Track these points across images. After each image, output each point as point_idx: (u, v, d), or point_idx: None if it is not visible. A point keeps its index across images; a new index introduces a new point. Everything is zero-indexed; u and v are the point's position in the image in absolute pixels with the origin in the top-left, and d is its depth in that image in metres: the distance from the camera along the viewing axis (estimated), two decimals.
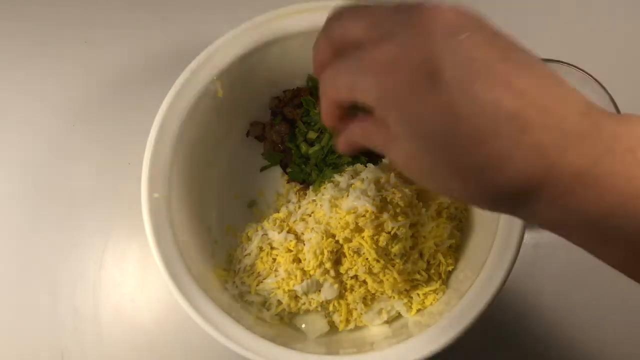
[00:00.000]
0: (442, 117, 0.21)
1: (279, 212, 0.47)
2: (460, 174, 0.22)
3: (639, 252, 0.22)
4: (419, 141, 0.22)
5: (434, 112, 0.21)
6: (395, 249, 0.41)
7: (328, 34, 0.26)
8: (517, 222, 0.38)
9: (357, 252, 0.42)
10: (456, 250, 0.45)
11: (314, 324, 0.45)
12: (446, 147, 0.22)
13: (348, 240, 0.42)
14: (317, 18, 0.43)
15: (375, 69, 0.22)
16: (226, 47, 0.43)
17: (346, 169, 0.47)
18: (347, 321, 0.44)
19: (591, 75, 0.46)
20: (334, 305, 0.44)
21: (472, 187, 0.22)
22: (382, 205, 0.42)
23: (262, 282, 0.45)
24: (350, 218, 0.42)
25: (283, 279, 0.44)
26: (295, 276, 0.43)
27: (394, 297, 0.44)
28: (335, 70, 0.25)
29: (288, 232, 0.45)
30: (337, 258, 0.43)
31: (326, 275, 0.43)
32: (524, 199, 0.22)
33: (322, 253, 0.42)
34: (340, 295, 0.44)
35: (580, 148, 0.20)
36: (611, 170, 0.20)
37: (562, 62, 0.46)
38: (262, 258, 0.45)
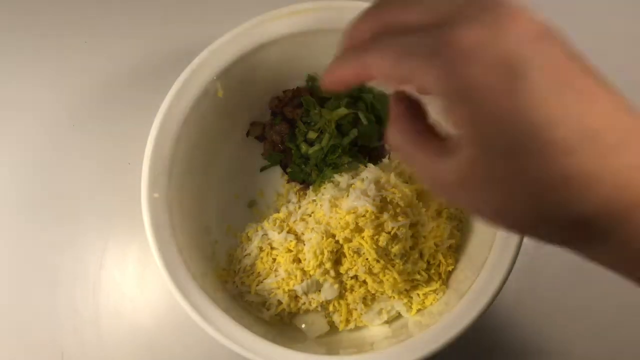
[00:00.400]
0: (522, 122, 0.19)
1: (279, 212, 0.47)
2: (527, 188, 0.19)
3: None
4: (486, 145, 0.20)
5: (513, 115, 0.19)
6: (395, 249, 0.41)
7: (375, 11, 0.23)
8: None
9: (357, 252, 0.42)
10: (456, 250, 0.45)
11: (314, 324, 0.45)
12: (520, 155, 0.19)
13: (348, 240, 0.42)
14: (316, 18, 0.43)
15: (452, 53, 0.19)
16: (226, 47, 0.43)
17: (346, 169, 0.47)
18: (347, 321, 0.44)
19: None
20: (334, 305, 0.44)
21: (536, 205, 0.20)
22: (382, 205, 0.42)
23: (262, 282, 0.45)
24: (350, 218, 0.42)
25: (283, 279, 0.44)
26: (295, 276, 0.43)
27: (394, 297, 0.44)
28: (392, 47, 0.21)
29: (288, 232, 0.45)
30: (337, 258, 0.43)
31: (326, 275, 0.43)
32: (593, 231, 0.20)
33: (322, 253, 0.42)
34: (340, 295, 0.44)
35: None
36: None
37: None
38: (262, 258, 0.45)
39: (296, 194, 0.49)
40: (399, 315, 0.45)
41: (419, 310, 0.44)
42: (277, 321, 0.45)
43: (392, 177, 0.44)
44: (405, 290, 0.44)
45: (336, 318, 0.45)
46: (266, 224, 0.46)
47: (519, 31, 0.19)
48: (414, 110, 0.25)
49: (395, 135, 0.24)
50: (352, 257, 0.42)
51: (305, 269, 0.43)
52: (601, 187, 0.18)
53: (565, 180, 0.19)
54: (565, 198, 0.19)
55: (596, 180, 0.18)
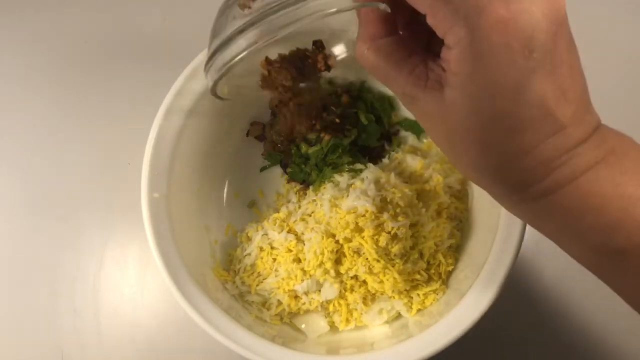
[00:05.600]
0: (515, 82, 0.22)
1: (279, 212, 0.47)
2: (489, 139, 0.24)
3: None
4: (479, 103, 0.23)
5: (512, 74, 0.22)
6: (395, 249, 0.41)
7: None
8: (517, 222, 0.38)
9: (357, 252, 0.42)
10: (456, 250, 0.45)
11: (314, 324, 0.45)
12: (496, 105, 0.23)
13: (348, 240, 0.42)
14: None
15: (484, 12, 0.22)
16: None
17: (346, 169, 0.47)
18: (348, 321, 0.44)
19: None
20: (334, 305, 0.44)
21: (493, 156, 0.24)
22: (382, 205, 0.42)
23: (262, 282, 0.45)
24: (350, 218, 0.42)
25: (283, 279, 0.44)
26: (296, 276, 0.43)
27: (394, 297, 0.44)
28: None
29: (288, 232, 0.45)
30: (337, 258, 0.43)
31: (326, 275, 0.43)
32: (526, 184, 0.25)
33: (322, 253, 0.42)
34: (341, 295, 0.44)
35: (586, 157, 0.24)
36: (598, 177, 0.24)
37: None
38: (262, 258, 0.45)
39: (296, 194, 0.49)
40: (399, 315, 0.45)
41: (419, 310, 0.44)
42: (277, 321, 0.45)
43: (392, 177, 0.44)
44: (405, 290, 0.44)
45: (336, 318, 0.45)
46: (266, 224, 0.46)
47: (552, 10, 0.22)
48: (386, 20, 0.27)
49: (369, 53, 0.28)
50: (352, 257, 0.42)
51: (306, 268, 0.43)
52: (535, 155, 0.24)
53: (515, 143, 0.23)
54: (511, 153, 0.24)
55: (533, 148, 0.23)
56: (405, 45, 0.28)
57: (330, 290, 0.44)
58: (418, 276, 0.43)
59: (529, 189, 0.25)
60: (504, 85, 0.22)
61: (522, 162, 0.24)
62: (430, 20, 0.24)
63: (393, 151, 0.49)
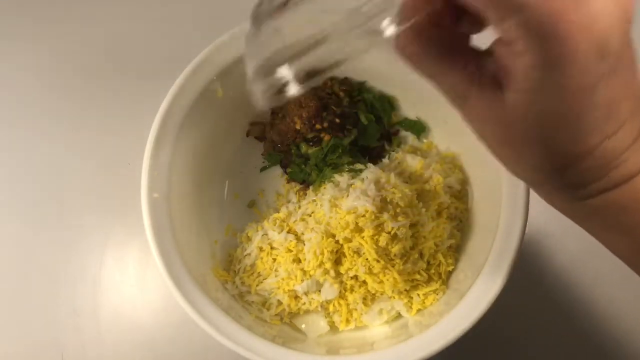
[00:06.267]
0: (587, 86, 0.21)
1: (279, 212, 0.47)
2: (554, 142, 0.23)
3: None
4: (545, 107, 0.22)
5: (585, 79, 0.21)
6: (395, 249, 0.41)
7: None
8: (517, 223, 0.38)
9: (357, 252, 0.42)
10: (456, 250, 0.45)
11: (314, 324, 0.45)
12: (565, 128, 0.22)
13: (348, 240, 0.42)
14: None
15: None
16: (226, 47, 0.43)
17: (346, 169, 0.47)
18: (348, 321, 0.44)
19: None
20: (334, 305, 0.44)
21: (556, 158, 0.24)
22: (382, 205, 0.42)
23: (262, 282, 0.45)
24: (350, 218, 0.42)
25: (283, 279, 0.44)
26: (296, 276, 0.43)
27: (394, 297, 0.44)
28: None
29: (288, 232, 0.45)
30: (337, 258, 0.43)
31: (326, 275, 0.43)
32: (582, 181, 0.24)
33: (322, 253, 0.42)
34: (341, 295, 0.44)
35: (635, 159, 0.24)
36: None
37: None
38: (262, 258, 0.45)
39: (296, 194, 0.49)
40: (399, 315, 0.45)
41: (419, 311, 0.44)
42: (277, 321, 0.45)
43: (392, 177, 0.44)
44: (405, 290, 0.44)
45: (336, 318, 0.45)
46: (266, 224, 0.46)
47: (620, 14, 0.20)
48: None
49: (416, 44, 0.24)
50: (352, 257, 0.42)
51: (305, 269, 0.43)
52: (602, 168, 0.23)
53: (574, 137, 0.23)
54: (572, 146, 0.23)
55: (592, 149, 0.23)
56: (454, 35, 0.25)
57: (330, 290, 0.44)
58: (418, 276, 0.43)
59: (585, 188, 0.24)
60: (576, 90, 0.21)
61: (583, 163, 0.23)
62: (493, 25, 0.22)
63: (393, 151, 0.49)
